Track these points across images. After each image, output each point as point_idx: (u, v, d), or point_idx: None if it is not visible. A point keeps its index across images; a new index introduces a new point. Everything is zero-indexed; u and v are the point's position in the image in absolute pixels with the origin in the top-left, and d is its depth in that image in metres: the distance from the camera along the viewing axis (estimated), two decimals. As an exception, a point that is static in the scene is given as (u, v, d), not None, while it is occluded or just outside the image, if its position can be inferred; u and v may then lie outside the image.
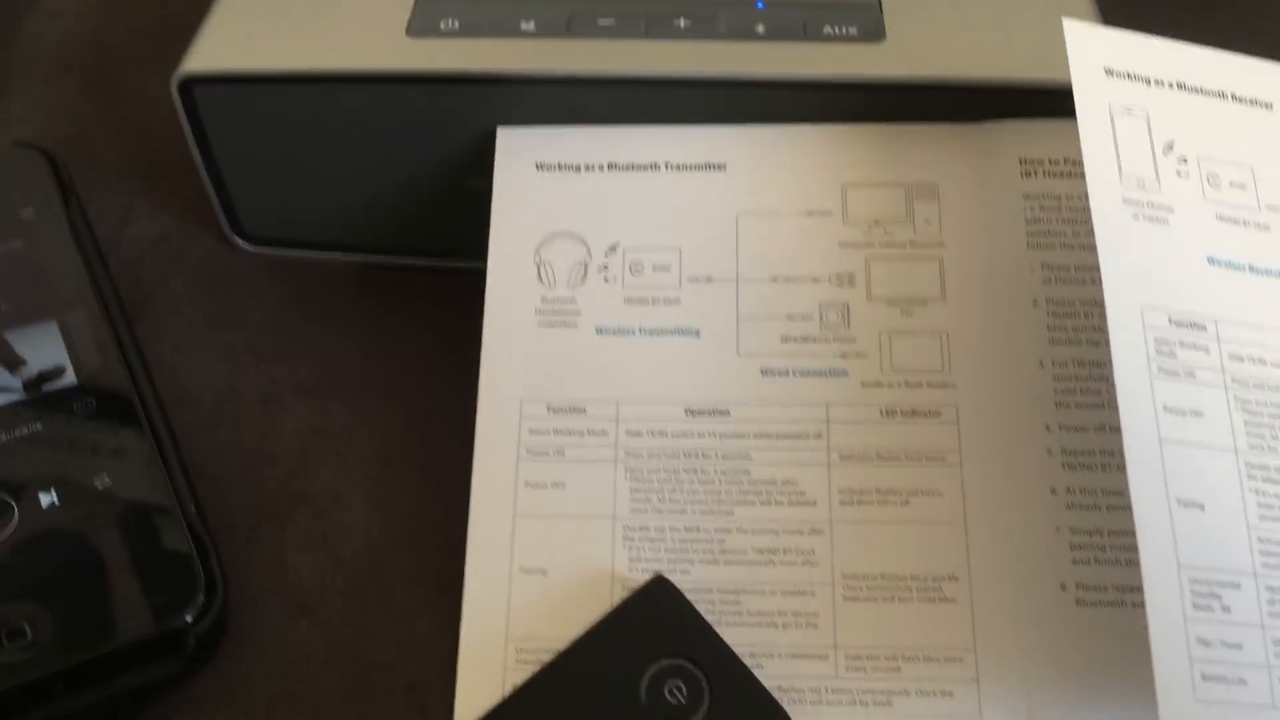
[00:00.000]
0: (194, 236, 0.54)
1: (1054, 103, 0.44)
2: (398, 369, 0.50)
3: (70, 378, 0.47)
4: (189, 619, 0.42)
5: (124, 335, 0.49)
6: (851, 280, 0.49)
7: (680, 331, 0.48)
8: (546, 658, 0.43)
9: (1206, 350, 0.42)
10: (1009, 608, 0.44)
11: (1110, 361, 0.40)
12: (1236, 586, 0.38)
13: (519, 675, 0.43)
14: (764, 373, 0.47)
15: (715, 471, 0.46)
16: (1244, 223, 0.44)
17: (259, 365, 0.51)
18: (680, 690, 0.40)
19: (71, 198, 0.53)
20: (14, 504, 0.44)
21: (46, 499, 0.44)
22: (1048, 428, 0.46)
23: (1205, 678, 0.37)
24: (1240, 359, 0.42)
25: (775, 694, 0.42)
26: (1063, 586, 0.44)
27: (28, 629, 0.41)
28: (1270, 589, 0.39)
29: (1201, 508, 0.39)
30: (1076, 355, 0.47)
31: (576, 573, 0.45)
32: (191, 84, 0.50)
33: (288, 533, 0.46)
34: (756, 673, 0.43)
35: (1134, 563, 0.41)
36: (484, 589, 0.45)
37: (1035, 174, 0.49)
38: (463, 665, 0.43)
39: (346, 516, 0.47)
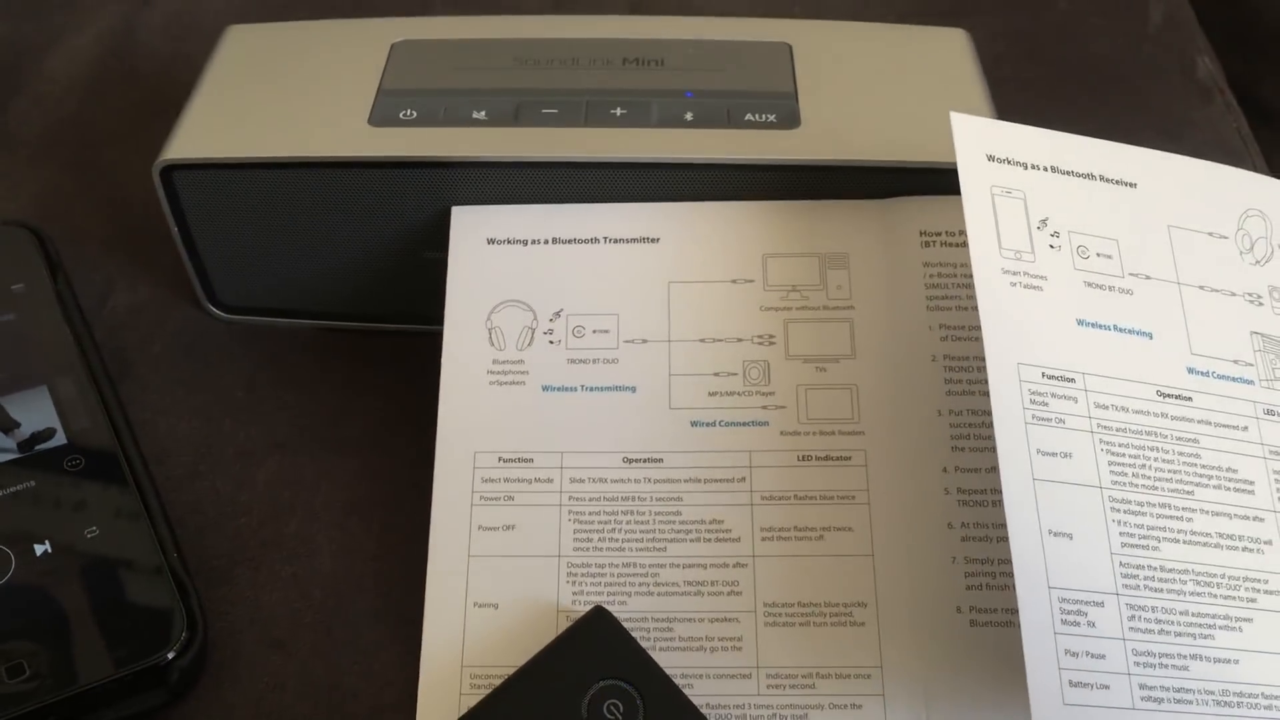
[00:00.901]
0: (171, 305, 0.58)
1: (950, 181, 0.50)
2: (361, 425, 0.55)
3: (60, 438, 0.52)
4: (171, 654, 0.46)
5: (109, 398, 0.54)
6: (771, 340, 0.54)
7: (618, 388, 0.54)
8: (498, 683, 0.48)
9: (1075, 399, 0.48)
10: (911, 629, 0.49)
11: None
12: (1100, 605, 0.44)
13: (473, 700, 0.47)
14: (693, 424, 0.53)
15: (650, 513, 0.51)
16: (1109, 288, 0.50)
17: (233, 424, 0.55)
18: (618, 708, 0.45)
19: (59, 272, 0.58)
20: (11, 553, 0.48)
21: (40, 549, 0.48)
22: (945, 469, 0.52)
23: (1072, 684, 0.43)
24: (1105, 407, 0.48)
25: (704, 710, 0.47)
26: (958, 609, 0.49)
27: (25, 665, 0.45)
28: (1130, 606, 0.45)
29: (1070, 536, 0.45)
30: (970, 405, 0.53)
31: (525, 606, 0.49)
32: (171, 170, 0.55)
33: (261, 575, 0.51)
34: (687, 691, 0.48)
35: (1019, 588, 0.47)
36: (441, 623, 0.49)
37: (934, 244, 0.55)
38: (423, 692, 0.48)
39: (315, 560, 0.51)
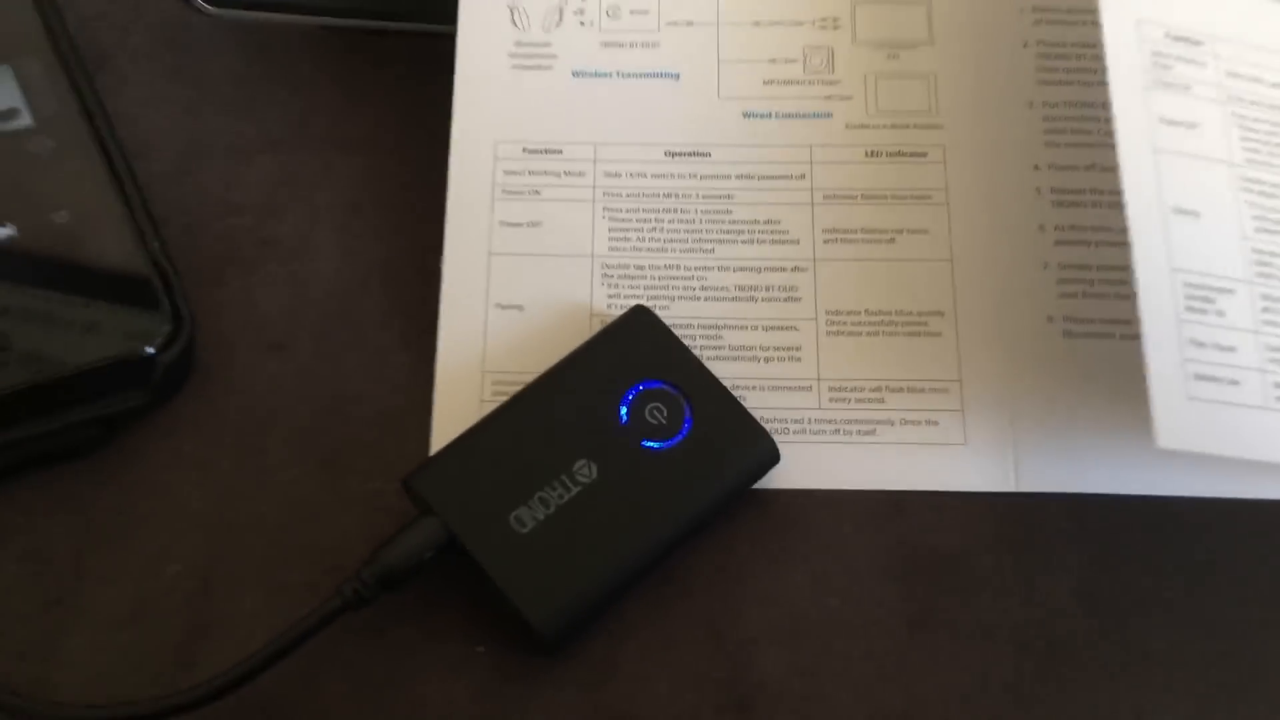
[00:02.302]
0: (150, -3, 0.51)
1: None
2: (367, 124, 0.48)
3: (26, 119, 0.45)
4: (154, 347, 0.40)
5: (82, 84, 0.46)
6: (836, 23, 0.47)
7: (659, 75, 0.46)
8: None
9: (1204, 65, 0.40)
10: (995, 340, 0.42)
11: (1102, 101, 0.39)
12: (1231, 292, 0.37)
13: (495, 405, 0.41)
14: (746, 115, 0.46)
15: (696, 211, 0.44)
16: (1246, -56, 0.42)
17: (223, 120, 0.48)
18: (660, 412, 0.39)
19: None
20: (-35, 236, 0.42)
21: (4, 231, 0.42)
22: (1036, 167, 0.44)
23: (1198, 377, 0.36)
24: (1238, 76, 0.40)
25: (760, 423, 0.41)
26: (1049, 319, 0.43)
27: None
28: (1265, 297, 0.38)
29: (1196, 215, 0.38)
30: (1067, 95, 0.46)
31: (553, 308, 0.43)
32: None
33: (255, 276, 0.44)
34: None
35: (1123, 296, 0.40)
36: (459, 323, 0.43)
37: (1026, -84, 0.47)
38: (439, 395, 0.42)
39: (316, 261, 0.45)
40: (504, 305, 0.43)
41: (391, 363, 0.43)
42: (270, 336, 0.43)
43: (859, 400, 0.42)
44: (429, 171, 0.45)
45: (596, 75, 0.46)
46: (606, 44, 0.46)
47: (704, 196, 0.44)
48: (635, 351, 0.40)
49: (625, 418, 0.39)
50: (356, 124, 0.48)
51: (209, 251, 0.45)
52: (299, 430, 0.41)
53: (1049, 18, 0.46)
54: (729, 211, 0.44)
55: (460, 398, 0.42)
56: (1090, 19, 0.45)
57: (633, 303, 0.43)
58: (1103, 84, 0.39)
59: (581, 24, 0.47)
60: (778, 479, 0.40)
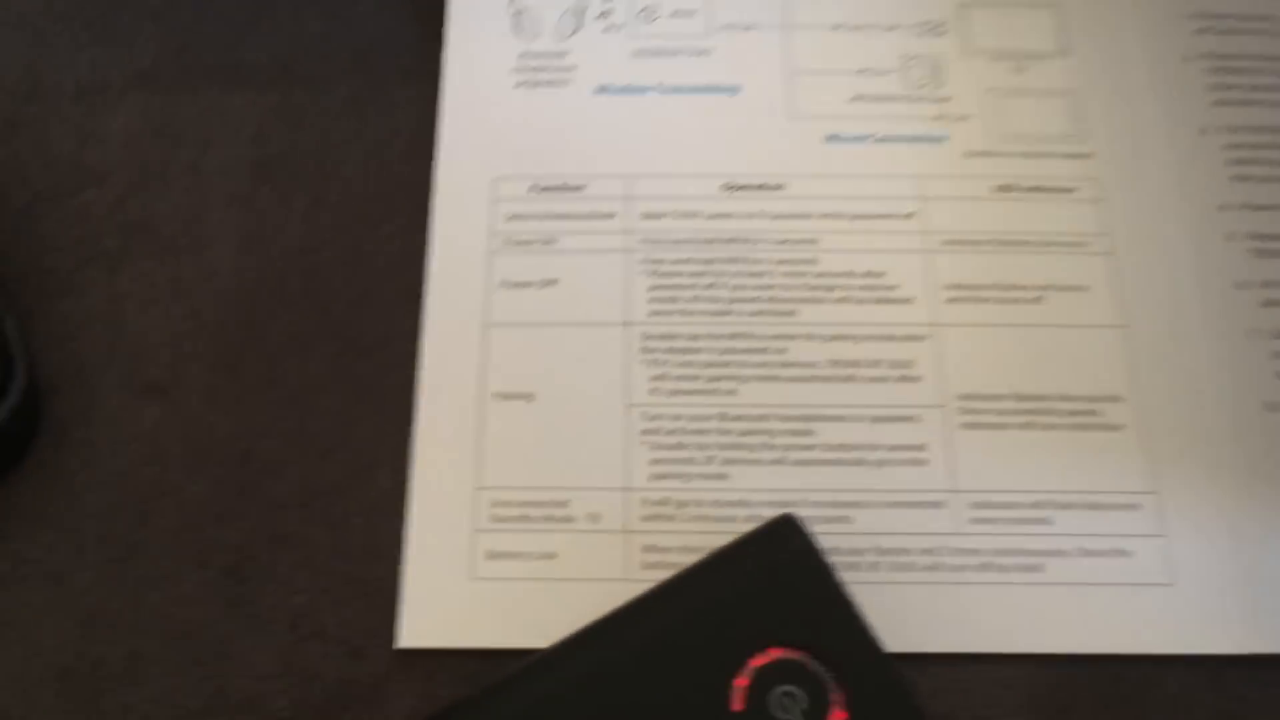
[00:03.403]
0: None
1: None
2: (280, 48, 0.36)
3: None
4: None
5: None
6: (940, 29, 0.36)
7: (713, 89, 0.35)
8: (531, 512, 0.29)
9: None
10: (1198, 435, 0.31)
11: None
12: None
13: (492, 568, 0.29)
14: (829, 139, 0.34)
15: (769, 262, 0.33)
16: None
17: (74, 45, 0.36)
18: (794, 700, 0.26)
19: None
20: None
21: None
22: (1222, 207, 0.33)
23: None
24: None
25: (872, 559, 0.28)
26: (1268, 406, 0.31)
27: None
28: None
29: None
30: (1254, 119, 0.35)
31: (576, 398, 0.31)
32: None
33: (123, 279, 0.32)
34: (842, 526, 0.29)
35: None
36: (444, 419, 0.31)
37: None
38: (414, 519, 0.29)
39: (207, 255, 0.33)
40: (506, 395, 0.31)
41: (318, 409, 0.30)
42: (146, 374, 0.31)
43: (1015, 521, 0.29)
44: (378, 110, 0.33)
45: (628, 91, 0.35)
46: (640, 52, 0.35)
47: (779, 242, 0.33)
48: (765, 596, 0.27)
49: (741, 707, 0.26)
50: (265, 46, 0.36)
51: (54, 243, 0.33)
52: (190, 517, 0.28)
53: (1217, 26, 0.36)
54: (814, 261, 0.32)
55: (444, 524, 0.29)
56: (1269, 27, 0.35)
57: (683, 388, 0.31)
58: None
59: (607, 28, 0.36)
60: (905, 638, 0.28)
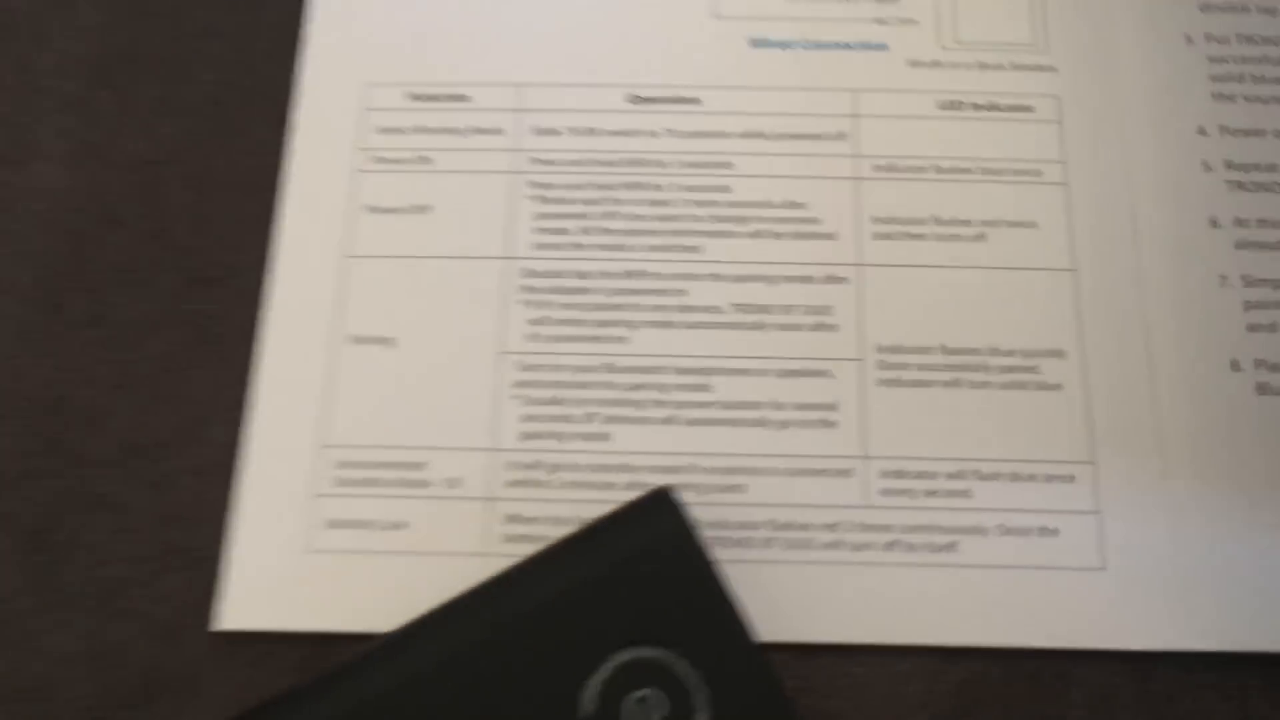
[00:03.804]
0: None
1: None
2: None
3: None
4: None
5: None
6: (891, -86, 0.31)
7: (622, -17, 0.31)
8: (381, 475, 0.26)
9: None
10: (1148, 398, 0.27)
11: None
12: None
13: (332, 539, 0.26)
14: (755, 43, 0.30)
15: (674, 188, 0.29)
16: None
17: None
18: (652, 705, 0.23)
19: None
20: None
21: None
22: (1202, 131, 0.29)
23: None
24: None
25: (769, 534, 0.25)
26: (1234, 365, 0.27)
27: None
28: None
29: None
30: (1239, 26, 0.30)
31: (444, 345, 0.28)
32: None
33: None
34: (735, 496, 0.26)
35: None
36: (290, 362, 0.28)
37: None
38: (246, 480, 0.26)
39: (31, 168, 0.29)
40: (364, 338, 0.27)
41: (158, 357, 0.27)
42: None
43: (930, 494, 0.26)
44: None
45: (525, -17, 0.31)
46: (542, -62, 0.31)
47: (688, 165, 0.29)
48: (632, 583, 0.24)
49: (592, 710, 0.23)
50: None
51: None
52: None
53: (1213, -93, 0.31)
54: (726, 189, 0.29)
55: (281, 487, 0.26)
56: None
57: (564, 334, 0.27)
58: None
59: (505, -92, 0.31)
60: (797, 627, 0.25)
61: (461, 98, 0.30)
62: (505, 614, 0.24)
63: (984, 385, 0.28)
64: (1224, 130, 0.30)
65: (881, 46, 0.31)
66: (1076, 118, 0.30)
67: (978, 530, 0.26)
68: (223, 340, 0.28)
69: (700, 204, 0.29)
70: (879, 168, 0.29)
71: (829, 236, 0.29)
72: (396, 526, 0.26)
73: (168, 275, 0.28)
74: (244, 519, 0.26)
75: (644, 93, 0.30)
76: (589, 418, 0.27)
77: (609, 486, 0.27)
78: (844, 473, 0.27)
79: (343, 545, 0.26)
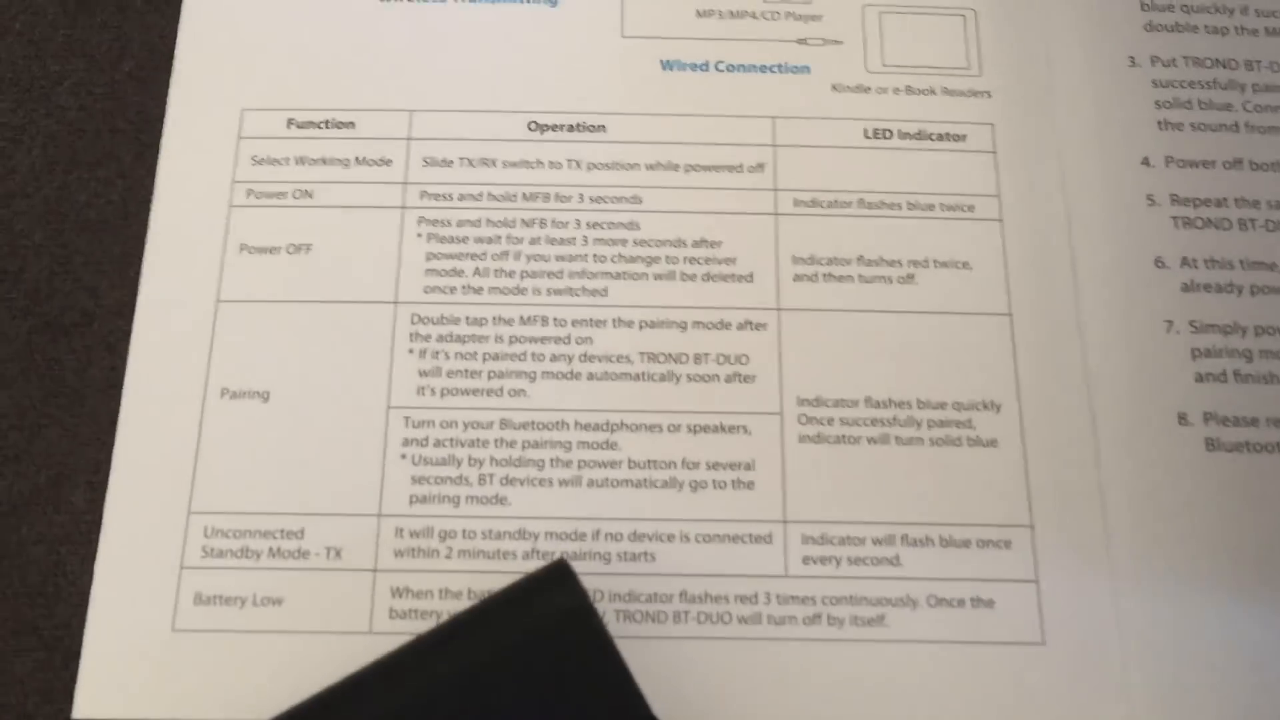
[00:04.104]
0: None
1: None
2: None
3: None
4: None
5: None
6: (814, -75, 0.29)
7: (523, -1, 0.29)
8: (254, 544, 0.24)
9: None
10: (1089, 455, 0.25)
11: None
12: None
13: (199, 617, 0.23)
14: (666, 66, 0.28)
15: (577, 225, 0.27)
16: None
17: None
18: None
19: None
20: None
21: None
22: (1146, 161, 0.27)
23: None
24: None
25: (681, 606, 0.23)
26: (1181, 419, 0.25)
27: None
28: None
29: None
30: (1183, 47, 0.29)
31: (322, 400, 0.25)
32: None
33: None
34: (644, 565, 0.24)
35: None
36: (152, 421, 0.25)
37: None
38: (103, 551, 0.24)
39: None
40: (236, 391, 0.25)
41: (10, 412, 0.25)
42: None
43: (855, 562, 0.24)
44: (105, 15, 0.28)
45: (418, -1, 0.28)
46: (438, -51, 0.29)
47: (593, 199, 0.27)
48: (526, 667, 0.22)
49: None
50: None
51: None
52: None
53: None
54: (634, 225, 0.27)
55: (143, 558, 0.24)
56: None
57: (458, 386, 0.25)
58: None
59: (397, -84, 0.29)
60: (712, 711, 0.23)
61: (346, 124, 0.28)
62: (391, 703, 0.22)
63: (913, 441, 0.26)
64: (1170, 161, 0.28)
65: (803, 69, 0.29)
66: (1012, 147, 0.28)
67: (907, 601, 0.25)
68: (81, 394, 0.25)
69: (606, 242, 0.27)
70: (800, 202, 0.27)
71: (746, 278, 0.27)
72: (271, 602, 0.24)
73: (19, 321, 0.26)
74: (104, 594, 0.24)
75: (545, 119, 0.28)
76: (484, 479, 0.25)
77: (506, 555, 0.25)
78: (762, 539, 0.25)
79: (212, 624, 0.24)
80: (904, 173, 0.28)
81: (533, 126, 0.28)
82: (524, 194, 0.27)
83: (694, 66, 0.29)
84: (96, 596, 0.24)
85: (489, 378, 0.26)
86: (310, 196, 0.27)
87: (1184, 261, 0.27)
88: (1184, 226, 0.27)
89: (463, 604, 0.24)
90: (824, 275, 0.27)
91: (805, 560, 0.25)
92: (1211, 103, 0.29)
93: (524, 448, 0.25)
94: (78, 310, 0.26)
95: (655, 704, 0.21)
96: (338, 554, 0.24)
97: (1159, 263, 0.27)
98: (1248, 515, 0.25)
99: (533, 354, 0.26)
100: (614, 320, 0.26)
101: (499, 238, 0.27)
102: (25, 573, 0.24)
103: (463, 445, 0.25)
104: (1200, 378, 0.26)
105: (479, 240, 0.27)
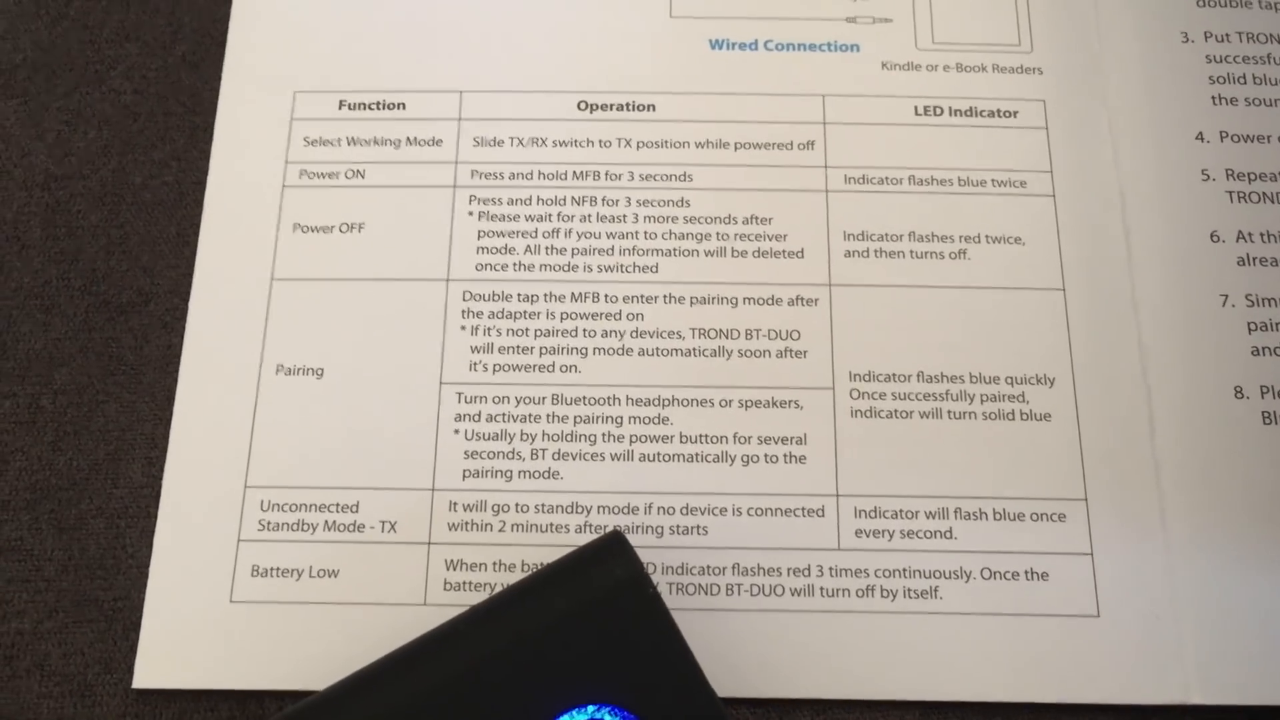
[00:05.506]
0: None
1: None
2: None
3: None
4: None
5: None
6: (864, -95, 0.30)
7: (573, -19, 0.30)
8: (310, 518, 0.25)
9: None
10: (1145, 430, 0.26)
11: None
12: None
13: (257, 589, 0.25)
14: (715, 45, 0.29)
15: (628, 203, 0.28)
16: None
17: None
18: None
19: None
20: None
21: None
22: (1201, 137, 0.28)
23: None
24: None
25: (734, 579, 0.24)
26: (1238, 392, 0.26)
27: None
28: None
29: None
30: (1238, 23, 0.29)
31: (376, 376, 0.26)
32: None
33: None
34: (697, 539, 0.25)
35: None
36: (209, 398, 0.26)
37: None
38: (161, 524, 0.25)
39: None
40: (291, 368, 0.26)
41: (69, 390, 0.26)
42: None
43: (908, 535, 0.25)
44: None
45: (468, -18, 0.30)
46: (487, -67, 0.30)
47: (643, 178, 0.28)
48: (581, 637, 0.23)
49: None
50: None
51: None
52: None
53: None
54: (685, 203, 0.28)
55: (201, 532, 0.25)
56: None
57: (511, 363, 0.26)
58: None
59: (447, -99, 0.30)
60: (764, 682, 0.24)
61: (397, 106, 0.29)
62: (447, 671, 0.23)
63: (966, 416, 0.27)
64: (1224, 136, 0.29)
65: (853, 47, 0.30)
66: (1064, 123, 0.29)
67: (960, 574, 0.25)
68: (138, 372, 0.27)
69: (657, 219, 0.28)
70: (851, 179, 0.28)
71: (796, 254, 0.28)
72: (328, 574, 0.25)
73: (78, 300, 0.27)
74: (162, 567, 0.25)
75: (595, 99, 0.29)
76: (536, 454, 0.26)
77: (558, 529, 0.26)
78: (815, 512, 0.26)
79: (268, 595, 0.25)
80: (955, 149, 0.29)
81: (582, 106, 0.29)
82: (574, 173, 0.28)
83: (742, 45, 0.30)
84: (155, 569, 0.25)
85: (541, 354, 0.27)
86: (362, 176, 0.28)
87: (1239, 236, 0.28)
88: (1239, 201, 0.28)
89: (516, 576, 0.25)
90: (875, 251, 0.28)
91: (858, 533, 0.26)
92: (1266, 78, 0.30)
93: (576, 423, 0.26)
94: (134, 290, 0.28)
95: (708, 676, 0.22)
96: (392, 527, 0.26)
97: (1214, 237, 0.28)
98: (1306, 490, 0.26)
99: (584, 330, 0.27)
100: (665, 296, 0.27)
101: (550, 215, 0.28)
102: (85, 546, 0.26)
103: (515, 420, 0.26)
104: (1256, 351, 0.27)
105: (530, 219, 0.28)
